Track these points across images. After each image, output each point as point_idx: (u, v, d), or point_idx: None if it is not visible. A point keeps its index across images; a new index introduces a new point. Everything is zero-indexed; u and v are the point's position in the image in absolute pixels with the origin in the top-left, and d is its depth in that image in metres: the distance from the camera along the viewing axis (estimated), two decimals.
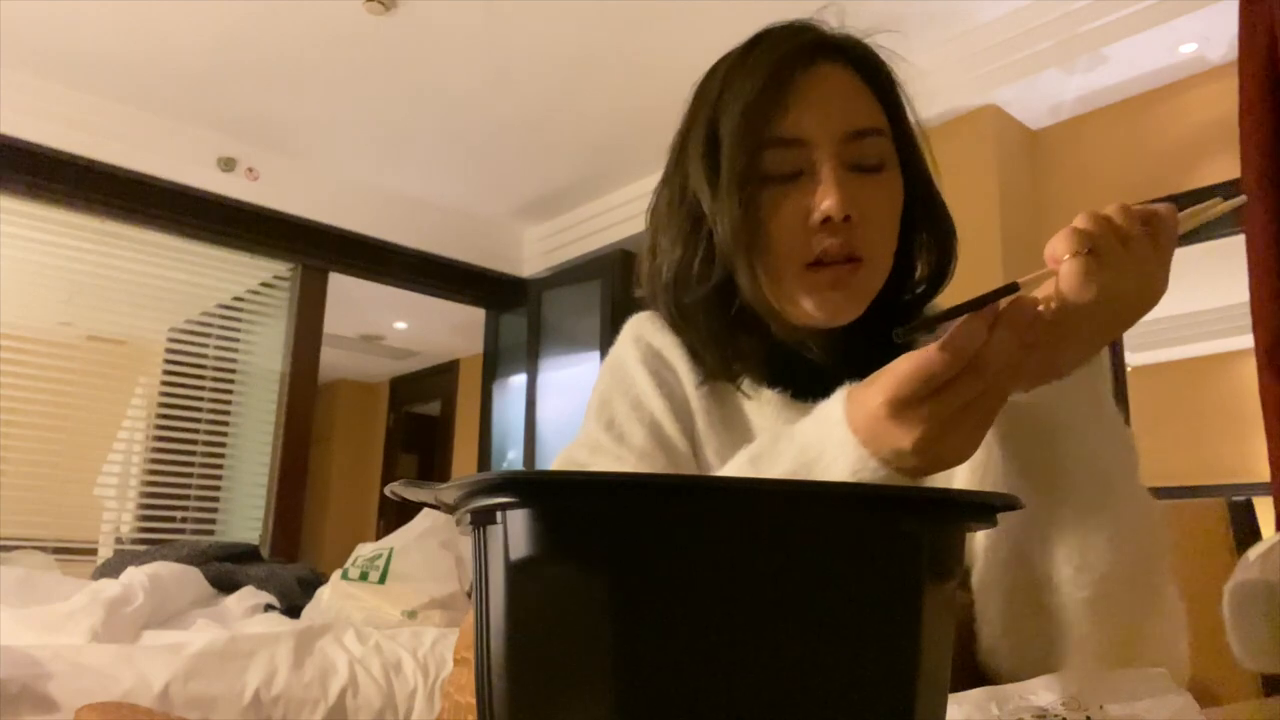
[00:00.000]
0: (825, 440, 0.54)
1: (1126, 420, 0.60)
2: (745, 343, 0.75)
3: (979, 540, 0.63)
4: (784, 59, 0.71)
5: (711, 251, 0.73)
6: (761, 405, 0.76)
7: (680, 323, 0.78)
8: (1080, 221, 0.53)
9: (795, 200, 0.69)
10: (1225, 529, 1.00)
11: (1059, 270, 0.52)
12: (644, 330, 0.83)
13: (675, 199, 0.76)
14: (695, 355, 0.79)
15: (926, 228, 0.77)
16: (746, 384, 0.77)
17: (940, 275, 0.77)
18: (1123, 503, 0.57)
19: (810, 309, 0.70)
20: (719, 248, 0.72)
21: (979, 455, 0.65)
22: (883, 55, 0.75)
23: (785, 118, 0.69)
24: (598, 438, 0.78)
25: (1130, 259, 0.52)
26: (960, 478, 0.68)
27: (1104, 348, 0.57)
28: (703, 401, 0.78)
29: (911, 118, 0.75)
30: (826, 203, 0.67)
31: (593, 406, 0.82)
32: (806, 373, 0.74)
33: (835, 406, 0.54)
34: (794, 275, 0.70)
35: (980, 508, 0.40)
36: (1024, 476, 0.57)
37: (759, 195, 0.69)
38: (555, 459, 0.82)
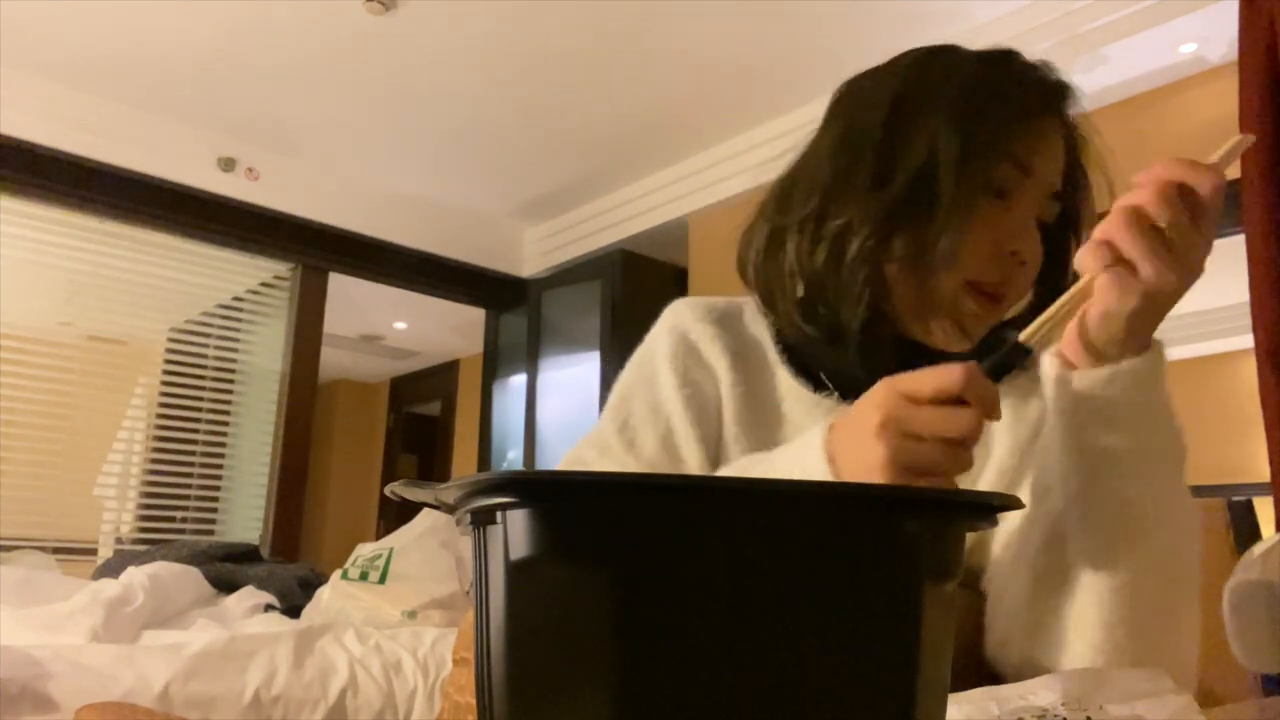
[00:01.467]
0: (798, 463, 0.57)
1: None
2: (880, 323, 0.72)
3: (1012, 519, 0.63)
4: (1048, 90, 0.71)
5: (919, 236, 0.68)
6: (806, 407, 0.75)
7: (814, 286, 0.72)
8: (1105, 230, 0.52)
9: (995, 221, 0.69)
10: (1225, 529, 1.00)
11: (1094, 284, 0.53)
12: (683, 320, 0.81)
13: (896, 169, 0.69)
14: (738, 355, 0.78)
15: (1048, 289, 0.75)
16: (787, 383, 0.76)
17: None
18: (1165, 499, 0.57)
19: (949, 327, 0.71)
20: (932, 238, 0.67)
21: (1025, 433, 0.69)
22: (1094, 142, 0.76)
23: (1030, 144, 0.69)
24: (609, 439, 0.78)
25: (1167, 253, 0.51)
26: (1002, 447, 0.70)
27: (1159, 323, 0.55)
28: (737, 402, 0.77)
29: (1090, 209, 0.75)
30: (1021, 242, 0.68)
31: (614, 397, 0.81)
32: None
33: (818, 433, 0.57)
34: (956, 285, 0.69)
35: (980, 508, 0.40)
36: (1073, 456, 0.57)
37: (980, 203, 0.68)
38: (565, 454, 0.81)
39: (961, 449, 0.50)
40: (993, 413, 0.51)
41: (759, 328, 0.81)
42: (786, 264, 0.74)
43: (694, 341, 0.79)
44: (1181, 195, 0.51)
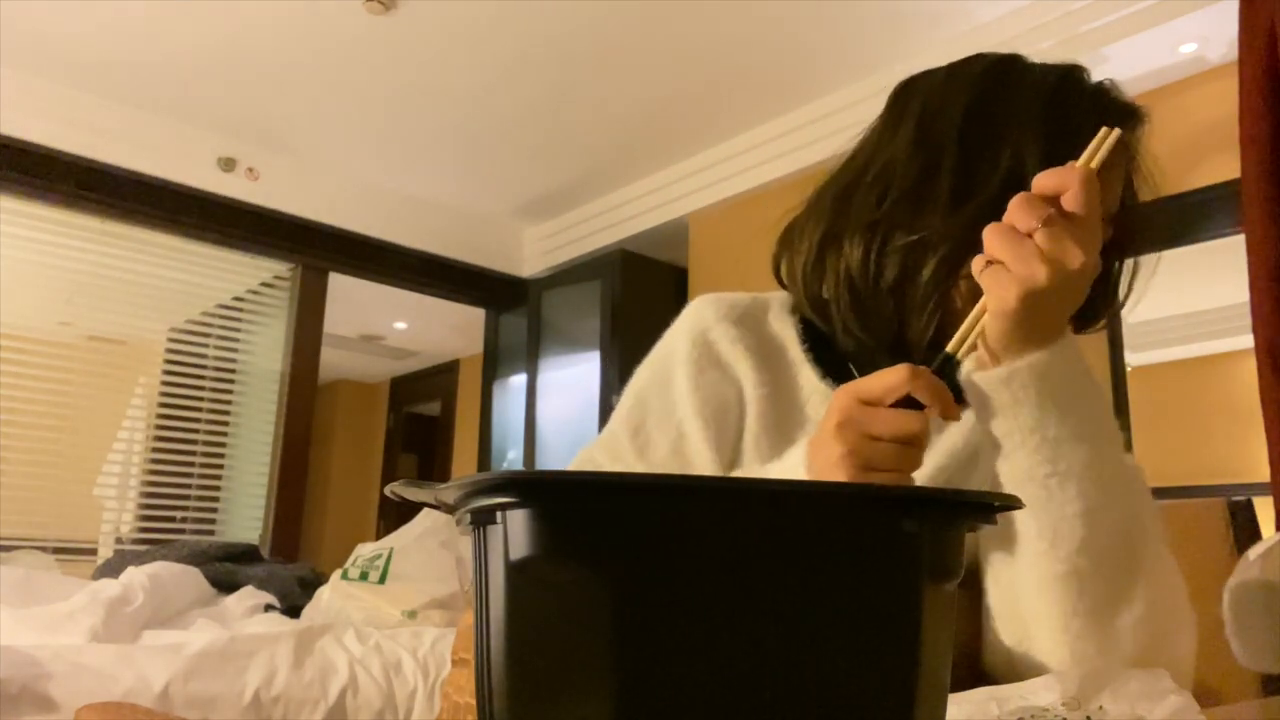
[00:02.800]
0: (787, 472, 0.62)
1: (1123, 415, 0.61)
2: (862, 317, 0.72)
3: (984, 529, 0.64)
4: (1127, 109, 0.71)
5: (975, 246, 0.66)
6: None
7: (866, 280, 0.71)
8: (984, 237, 0.57)
9: None
10: (1225, 529, 1.00)
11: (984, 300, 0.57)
12: (703, 319, 0.79)
13: (985, 166, 0.68)
14: (761, 355, 0.77)
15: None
16: (812, 383, 0.76)
17: None
18: (1093, 481, 0.58)
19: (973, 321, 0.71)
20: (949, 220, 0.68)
21: (957, 438, 0.71)
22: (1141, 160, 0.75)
23: (1108, 158, 0.65)
24: (622, 443, 0.77)
25: (1034, 250, 0.55)
26: (937, 448, 0.71)
27: (1063, 322, 0.59)
28: (761, 403, 0.75)
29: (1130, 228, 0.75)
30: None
31: (628, 398, 0.80)
32: None
33: (799, 450, 0.61)
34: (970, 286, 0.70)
35: (980, 508, 0.40)
36: (993, 450, 0.60)
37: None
38: (578, 455, 0.80)
39: (913, 448, 0.55)
40: (948, 410, 0.55)
41: (783, 325, 0.80)
42: (842, 267, 0.72)
43: (714, 342, 0.78)
44: (1046, 200, 0.56)
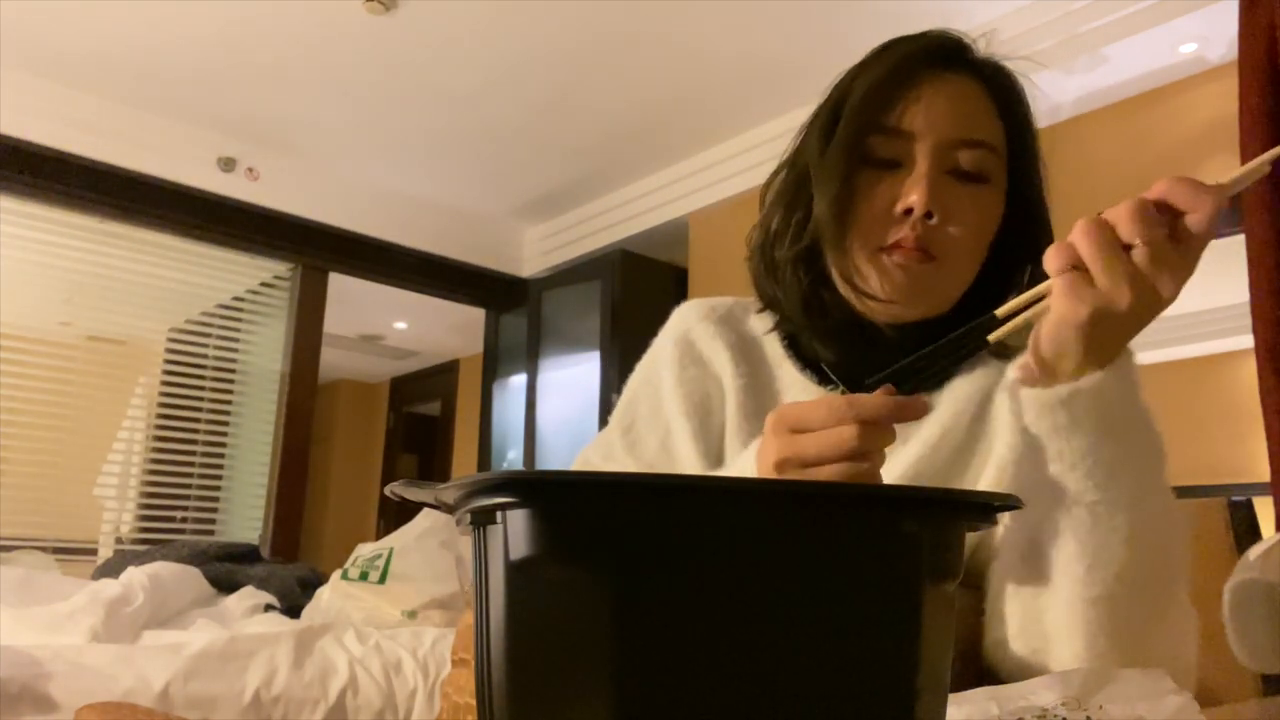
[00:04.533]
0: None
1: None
2: (826, 304, 0.76)
3: (998, 533, 0.64)
4: (915, 54, 0.73)
5: (808, 216, 0.75)
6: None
7: (768, 279, 0.79)
8: (1075, 232, 0.51)
9: (888, 187, 0.71)
10: (1225, 529, 0.99)
11: (1052, 287, 0.52)
12: (685, 321, 0.84)
13: (788, 166, 0.79)
14: (740, 350, 0.81)
15: (1030, 257, 0.74)
16: (791, 376, 0.78)
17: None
18: (1139, 508, 0.56)
19: (876, 287, 0.71)
20: (814, 214, 0.74)
21: (1013, 441, 0.64)
22: (1022, 85, 0.77)
23: (899, 108, 0.71)
24: (614, 443, 0.82)
25: (1129, 270, 0.49)
26: (994, 461, 0.69)
27: (1128, 343, 0.54)
28: (741, 393, 0.79)
29: (1033, 151, 0.76)
30: (912, 196, 0.69)
31: (621, 401, 0.85)
32: (874, 363, 0.74)
33: (750, 454, 0.61)
34: (868, 256, 0.71)
35: (980, 508, 0.40)
36: (1042, 469, 0.57)
37: (858, 175, 0.72)
38: (576, 457, 0.85)
39: (860, 461, 0.51)
40: (905, 414, 0.52)
41: (763, 324, 0.84)
42: (783, 275, 0.78)
43: (694, 341, 0.82)
44: (1163, 213, 0.50)
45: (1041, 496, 0.57)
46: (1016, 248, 0.75)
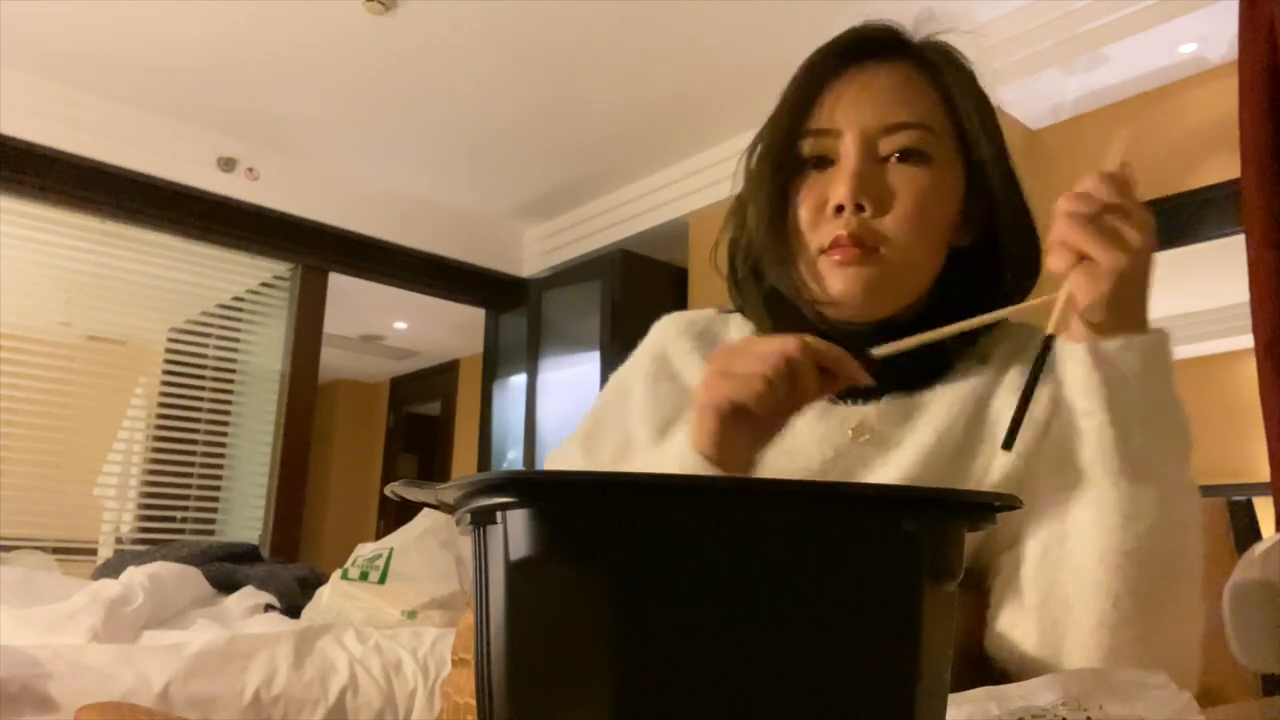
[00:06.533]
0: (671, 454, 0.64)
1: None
2: (790, 314, 0.76)
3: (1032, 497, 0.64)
4: (832, 52, 0.74)
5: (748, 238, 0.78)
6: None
7: (736, 292, 0.81)
8: (1057, 233, 0.57)
9: (820, 188, 0.71)
10: (1225, 529, 0.99)
11: (1065, 288, 0.57)
12: (663, 336, 0.85)
13: (738, 185, 0.81)
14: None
15: (1004, 231, 0.74)
16: None
17: (1015, 285, 0.74)
18: (1178, 465, 0.59)
19: (822, 291, 0.71)
20: (748, 227, 0.76)
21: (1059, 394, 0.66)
22: (957, 56, 0.76)
23: (824, 108, 0.72)
24: (574, 448, 0.82)
25: (1115, 237, 0.56)
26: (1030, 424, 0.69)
27: (1145, 295, 0.59)
28: None
29: (975, 118, 0.74)
30: (839, 190, 0.69)
31: (591, 408, 0.85)
32: None
33: (682, 435, 0.63)
34: (810, 261, 0.72)
35: (980, 508, 0.40)
36: (1101, 407, 0.58)
37: (793, 181, 0.72)
38: (544, 461, 0.85)
39: (783, 383, 0.57)
40: (855, 375, 0.58)
41: (742, 331, 0.84)
42: (764, 286, 0.79)
43: (670, 356, 0.82)
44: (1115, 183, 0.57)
45: (1082, 447, 0.59)
46: (982, 226, 0.74)
